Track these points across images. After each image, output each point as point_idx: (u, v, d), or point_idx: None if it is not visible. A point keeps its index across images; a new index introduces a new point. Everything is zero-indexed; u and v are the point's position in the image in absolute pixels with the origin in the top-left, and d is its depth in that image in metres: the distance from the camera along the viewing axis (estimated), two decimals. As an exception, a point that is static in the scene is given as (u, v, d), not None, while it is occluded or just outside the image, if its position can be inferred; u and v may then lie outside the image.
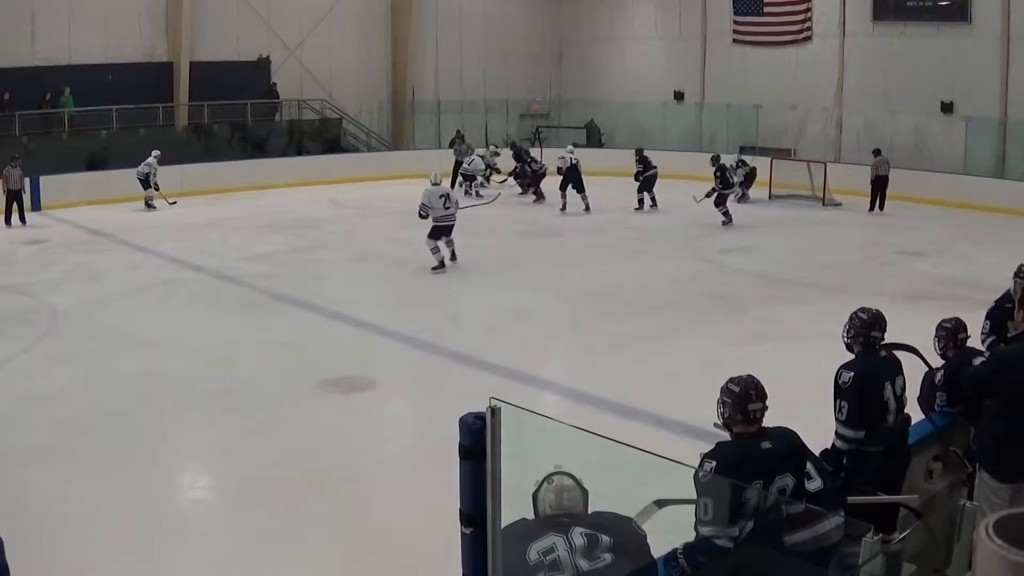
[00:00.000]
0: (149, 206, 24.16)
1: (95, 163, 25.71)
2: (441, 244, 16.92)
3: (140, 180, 24.09)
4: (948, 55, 26.18)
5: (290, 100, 31.83)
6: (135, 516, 7.62)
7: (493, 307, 14.61)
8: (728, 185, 22.31)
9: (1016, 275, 7.28)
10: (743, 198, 25.33)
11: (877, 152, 24.59)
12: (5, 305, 14.55)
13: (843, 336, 6.05)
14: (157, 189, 24.22)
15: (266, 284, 15.86)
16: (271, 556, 7.07)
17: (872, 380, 5.75)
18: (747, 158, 27.21)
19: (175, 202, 24.40)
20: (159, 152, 24.16)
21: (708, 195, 22.18)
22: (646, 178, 24.09)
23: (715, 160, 22.83)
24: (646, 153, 24.53)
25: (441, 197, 16.87)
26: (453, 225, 16.99)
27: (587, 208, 23.63)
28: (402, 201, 20.29)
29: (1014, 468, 5.34)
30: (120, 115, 27.22)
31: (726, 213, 21.86)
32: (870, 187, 24.20)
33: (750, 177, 26.04)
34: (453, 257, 17.19)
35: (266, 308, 14.60)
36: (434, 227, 16.85)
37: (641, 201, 24.19)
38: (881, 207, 24.05)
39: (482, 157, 27.75)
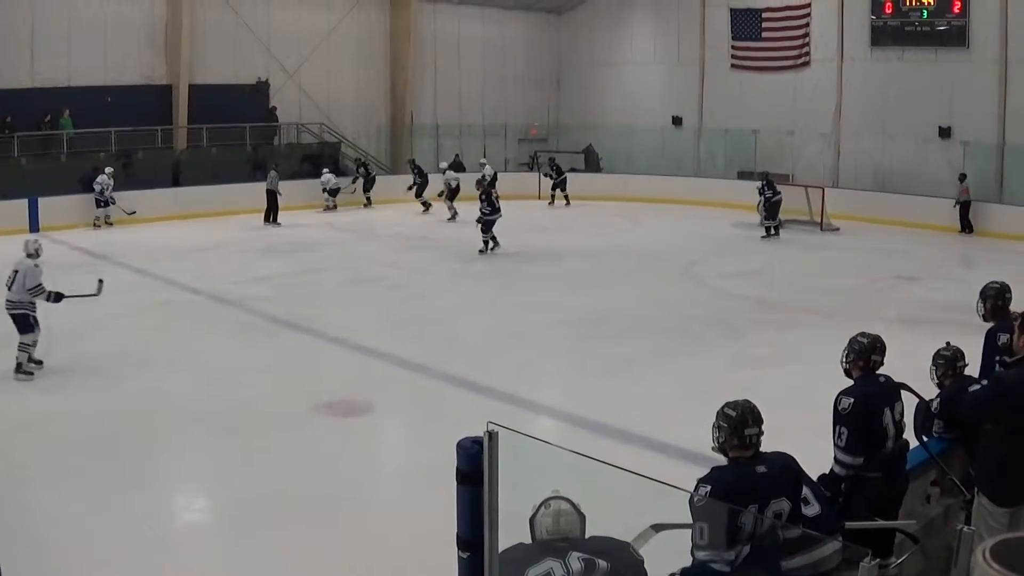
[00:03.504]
0: (106, 223, 24.85)
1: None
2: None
3: (97, 199, 24.66)
4: (946, 80, 26.31)
5: (289, 123, 31.89)
6: (131, 537, 7.60)
7: (490, 331, 14.61)
8: (496, 210, 21.05)
9: (983, 296, 7.39)
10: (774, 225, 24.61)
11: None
12: (2, 326, 14.51)
13: (842, 361, 5.99)
14: (113, 203, 24.77)
15: (263, 307, 15.86)
16: (267, 580, 7.06)
17: (872, 406, 5.71)
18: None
19: (134, 212, 24.81)
20: (111, 169, 24.89)
21: (479, 219, 21.20)
22: (772, 204, 24.06)
23: (480, 184, 22.06)
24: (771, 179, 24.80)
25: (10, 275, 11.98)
26: (20, 315, 11.90)
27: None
28: (399, 225, 20.32)
29: (1013, 493, 5.34)
30: (119, 137, 27.24)
31: (493, 239, 21.18)
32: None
33: None
34: (30, 364, 11.96)
35: (263, 331, 14.60)
36: None
37: (768, 229, 24.06)
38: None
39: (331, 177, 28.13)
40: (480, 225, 21.16)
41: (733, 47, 31.93)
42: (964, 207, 24.64)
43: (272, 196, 25.86)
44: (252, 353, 13.31)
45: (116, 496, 8.37)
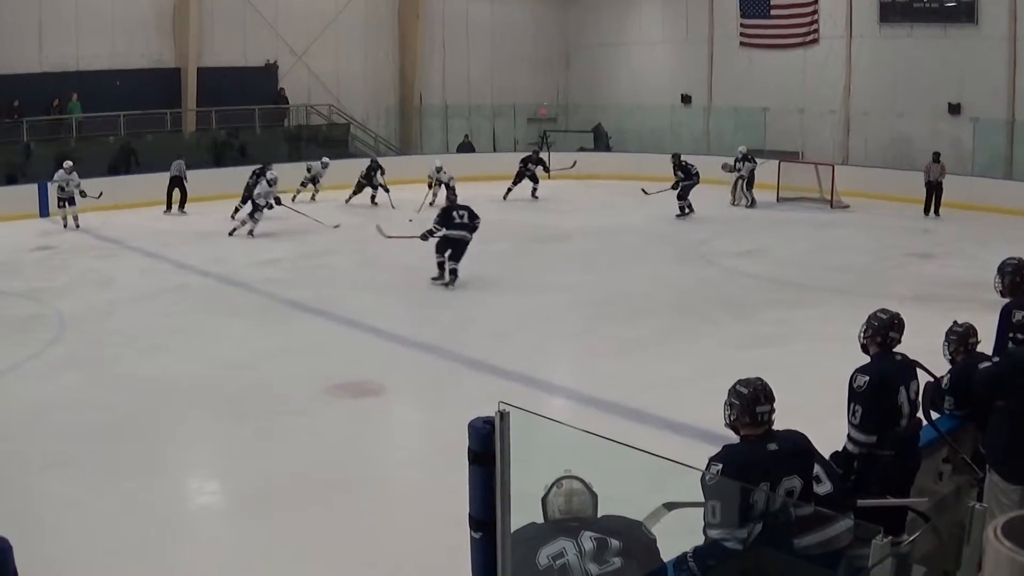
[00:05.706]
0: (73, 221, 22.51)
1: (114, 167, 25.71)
2: None
3: (59, 198, 22.45)
4: (955, 57, 26.16)
5: (298, 106, 31.86)
6: (143, 522, 7.64)
7: (501, 311, 14.61)
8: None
9: (1001, 272, 7.35)
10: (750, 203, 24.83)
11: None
12: (14, 311, 14.59)
13: (859, 337, 5.98)
14: (84, 196, 22.36)
15: (275, 290, 15.89)
16: (280, 562, 7.08)
17: (888, 384, 5.69)
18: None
19: (101, 194, 22.67)
20: (70, 163, 22.65)
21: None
22: (684, 186, 23.54)
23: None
24: (684, 159, 24.12)
25: None
26: None
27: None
28: (409, 207, 20.27)
29: (1024, 470, 5.34)
30: (128, 121, 27.26)
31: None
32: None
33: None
34: None
35: (275, 314, 14.62)
36: None
37: (683, 208, 23.58)
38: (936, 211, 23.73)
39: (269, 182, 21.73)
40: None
41: (742, 25, 31.77)
42: (939, 188, 23.76)
43: (176, 183, 24.34)
44: (265, 336, 13.34)
45: (129, 481, 8.41)
